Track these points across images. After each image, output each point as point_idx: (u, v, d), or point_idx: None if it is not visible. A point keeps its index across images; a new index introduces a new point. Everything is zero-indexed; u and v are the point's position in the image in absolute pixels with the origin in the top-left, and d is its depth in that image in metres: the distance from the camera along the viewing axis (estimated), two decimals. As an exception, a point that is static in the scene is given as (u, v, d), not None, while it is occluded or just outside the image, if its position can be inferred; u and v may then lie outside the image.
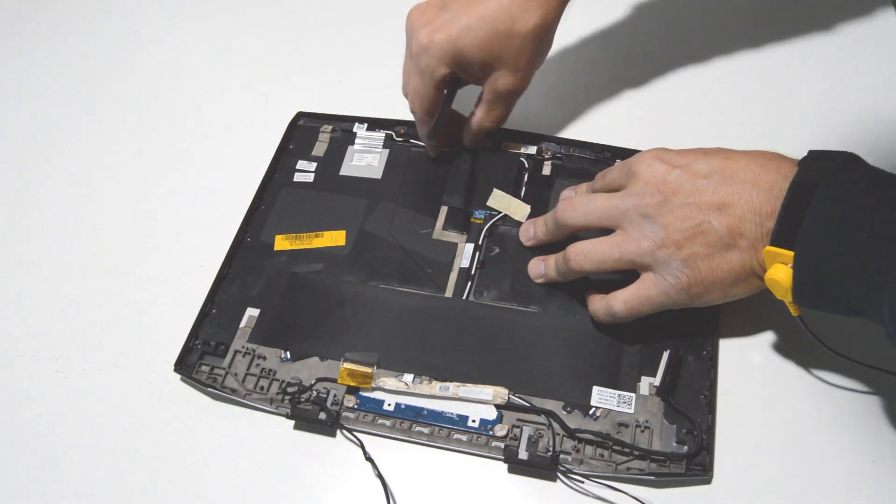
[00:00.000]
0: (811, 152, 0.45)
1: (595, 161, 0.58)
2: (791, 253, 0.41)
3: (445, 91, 0.55)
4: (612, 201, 0.48)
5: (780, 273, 0.42)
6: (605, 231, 0.48)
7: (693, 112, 0.63)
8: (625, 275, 0.48)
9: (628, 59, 0.66)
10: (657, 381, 0.48)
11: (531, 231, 0.54)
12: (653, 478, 0.44)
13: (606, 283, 0.49)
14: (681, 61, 0.66)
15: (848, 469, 0.45)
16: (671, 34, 0.68)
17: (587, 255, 0.48)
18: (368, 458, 0.46)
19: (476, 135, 0.58)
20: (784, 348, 0.49)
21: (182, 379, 0.51)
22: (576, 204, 0.50)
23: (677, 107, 0.63)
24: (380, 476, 0.46)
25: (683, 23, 0.69)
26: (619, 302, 0.48)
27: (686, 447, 0.45)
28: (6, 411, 0.50)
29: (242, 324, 0.52)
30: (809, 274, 0.41)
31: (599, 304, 0.49)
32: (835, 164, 0.42)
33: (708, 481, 0.45)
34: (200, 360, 0.51)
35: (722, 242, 0.44)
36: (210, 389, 0.50)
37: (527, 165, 0.59)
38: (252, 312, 0.53)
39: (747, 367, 0.49)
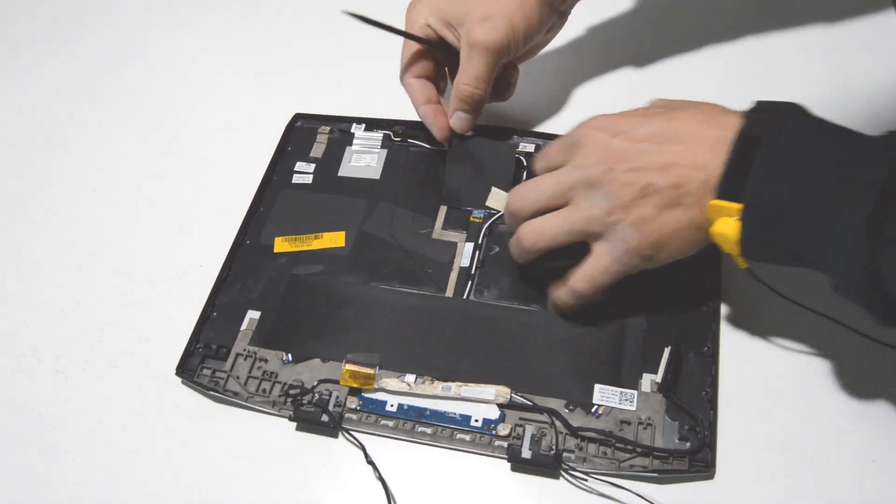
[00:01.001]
0: (757, 103, 0.44)
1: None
2: (738, 206, 0.41)
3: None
4: (558, 178, 0.47)
5: (726, 226, 0.42)
6: None
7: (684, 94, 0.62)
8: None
9: (626, 54, 0.66)
10: (659, 377, 0.48)
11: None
12: (656, 475, 0.44)
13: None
14: (679, 59, 0.66)
15: (848, 469, 0.45)
16: (671, 31, 0.68)
17: (538, 231, 0.48)
18: (370, 462, 0.46)
19: (456, 102, 0.55)
20: (785, 344, 0.49)
21: (183, 382, 0.51)
22: (523, 191, 0.49)
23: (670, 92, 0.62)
24: (381, 479, 0.46)
25: (683, 21, 0.68)
26: (579, 280, 0.48)
27: (688, 444, 0.45)
28: (6, 411, 0.50)
29: (243, 326, 0.52)
30: (758, 226, 0.41)
31: (561, 291, 0.49)
32: (780, 114, 0.42)
33: (711, 477, 0.45)
34: (202, 363, 0.51)
35: (668, 202, 0.44)
36: (212, 393, 0.50)
37: (525, 163, 0.58)
38: (253, 315, 0.53)
39: (748, 363, 0.49)
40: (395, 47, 0.57)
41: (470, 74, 0.54)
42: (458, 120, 0.56)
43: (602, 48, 0.67)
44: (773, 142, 0.41)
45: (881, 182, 0.37)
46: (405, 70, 0.57)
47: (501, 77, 0.58)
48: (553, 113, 0.63)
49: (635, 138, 0.46)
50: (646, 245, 0.45)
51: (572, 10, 0.58)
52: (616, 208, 0.45)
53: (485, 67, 0.53)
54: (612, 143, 0.46)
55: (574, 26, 0.64)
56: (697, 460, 0.45)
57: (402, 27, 0.57)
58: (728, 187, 0.42)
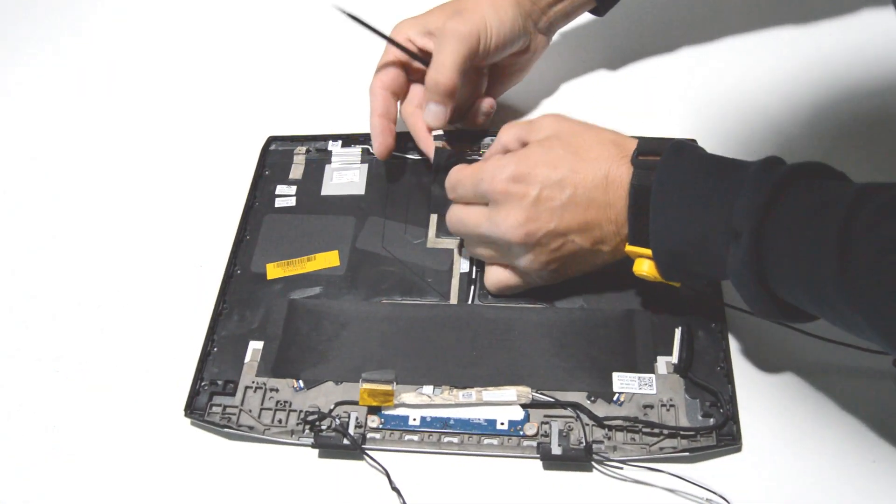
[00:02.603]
0: (640, 145, 0.47)
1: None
2: (647, 251, 0.45)
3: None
4: (481, 230, 0.49)
5: (644, 266, 0.46)
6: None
7: (683, 105, 0.63)
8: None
9: (612, 52, 0.66)
10: (674, 359, 0.48)
11: None
12: (687, 454, 0.45)
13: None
14: (674, 55, 0.66)
15: (848, 469, 0.45)
16: (663, 26, 0.68)
17: (461, 233, 0.51)
18: (394, 489, 0.45)
19: (426, 93, 0.54)
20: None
21: (193, 423, 0.49)
22: (453, 221, 0.51)
23: (669, 98, 0.63)
24: (399, 493, 0.45)
25: (676, 17, 0.69)
26: (490, 284, 0.52)
27: (713, 419, 0.46)
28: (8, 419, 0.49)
29: (247, 358, 0.51)
30: (668, 264, 0.45)
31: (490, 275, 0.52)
32: (661, 160, 0.45)
33: (739, 449, 0.46)
34: (210, 401, 0.49)
35: (587, 252, 0.49)
36: (226, 430, 0.48)
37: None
38: (255, 346, 0.51)
39: (755, 334, 0.50)
40: (364, 61, 0.57)
41: (438, 61, 0.53)
42: (429, 113, 0.55)
43: (596, 44, 0.67)
44: (658, 194, 0.44)
45: (759, 207, 0.40)
46: (376, 75, 0.57)
47: (475, 106, 0.59)
48: (542, 110, 0.63)
49: (550, 203, 0.47)
50: (561, 278, 0.51)
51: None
52: (536, 263, 0.49)
53: (453, 55, 0.53)
54: (530, 210, 0.47)
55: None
56: (724, 434, 0.46)
57: (363, 41, 0.56)
58: (636, 235, 0.46)
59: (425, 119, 0.55)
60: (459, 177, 0.50)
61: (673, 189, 0.44)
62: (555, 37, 0.61)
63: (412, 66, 0.57)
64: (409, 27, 0.56)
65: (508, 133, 0.51)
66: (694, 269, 0.45)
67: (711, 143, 0.57)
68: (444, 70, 0.53)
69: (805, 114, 0.62)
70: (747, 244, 0.40)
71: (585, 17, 0.61)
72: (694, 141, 0.58)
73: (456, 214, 0.51)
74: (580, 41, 0.67)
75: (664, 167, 0.44)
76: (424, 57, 0.56)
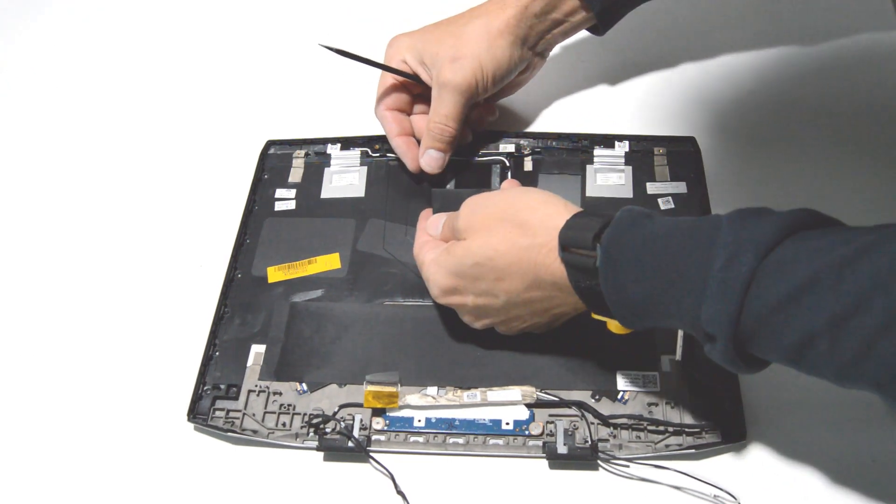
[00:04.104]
0: (561, 237, 0.42)
1: (573, 150, 0.59)
2: (613, 321, 0.42)
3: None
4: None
5: (616, 326, 0.42)
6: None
7: (673, 99, 0.63)
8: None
9: (611, 64, 0.66)
10: (678, 356, 0.48)
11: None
12: (692, 450, 0.45)
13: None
14: (662, 51, 0.67)
15: (848, 469, 0.45)
16: (663, 40, 0.68)
17: (430, 282, 0.49)
18: (399, 493, 0.45)
19: (427, 140, 0.56)
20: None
21: (196, 428, 0.49)
22: (426, 274, 0.49)
23: (668, 110, 0.63)
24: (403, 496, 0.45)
25: (675, 31, 0.69)
26: (433, 288, 0.48)
27: (717, 415, 0.46)
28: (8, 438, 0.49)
29: (250, 362, 0.51)
30: (640, 325, 0.41)
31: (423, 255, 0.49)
32: (601, 262, 0.40)
33: (743, 445, 0.46)
34: (213, 405, 0.49)
35: (551, 324, 0.48)
36: (230, 434, 0.48)
37: (508, 164, 0.59)
38: (258, 349, 0.51)
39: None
40: (360, 69, 0.57)
41: (440, 113, 0.55)
42: (429, 158, 0.56)
43: (595, 56, 0.67)
44: (613, 299, 0.40)
45: (730, 316, 0.36)
46: (380, 101, 0.58)
47: (479, 117, 0.59)
48: (532, 113, 0.63)
49: (489, 305, 0.47)
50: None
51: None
52: (510, 331, 0.49)
53: (454, 106, 0.54)
54: (475, 312, 0.48)
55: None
56: (728, 430, 0.46)
57: (361, 42, 0.57)
58: (598, 310, 0.42)
59: (422, 163, 0.57)
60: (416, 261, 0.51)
61: (627, 297, 0.39)
62: (555, 49, 0.61)
63: (411, 86, 0.58)
64: (404, 48, 0.56)
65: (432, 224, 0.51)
66: (663, 325, 0.41)
67: (709, 146, 0.58)
68: (446, 120, 0.55)
69: (801, 113, 0.62)
70: (724, 348, 0.37)
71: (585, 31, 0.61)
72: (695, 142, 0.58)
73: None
74: (580, 53, 0.67)
75: (609, 273, 0.39)
76: (418, 78, 0.57)
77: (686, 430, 0.46)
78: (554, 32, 0.57)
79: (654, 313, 0.39)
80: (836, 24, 0.67)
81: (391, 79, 0.57)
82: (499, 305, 0.46)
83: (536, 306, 0.46)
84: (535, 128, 0.61)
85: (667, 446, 0.46)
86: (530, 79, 0.60)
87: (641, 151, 0.58)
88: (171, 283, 0.56)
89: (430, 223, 0.51)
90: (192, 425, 0.49)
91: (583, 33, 0.60)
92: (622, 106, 0.63)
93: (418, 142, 0.58)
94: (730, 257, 0.36)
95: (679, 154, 0.58)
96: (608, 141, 0.59)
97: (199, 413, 0.49)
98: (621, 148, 0.59)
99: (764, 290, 0.35)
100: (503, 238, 0.44)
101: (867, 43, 0.66)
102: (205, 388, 0.50)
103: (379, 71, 0.58)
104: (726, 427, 0.46)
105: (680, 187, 0.56)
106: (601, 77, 0.66)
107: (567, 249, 0.41)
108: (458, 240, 0.47)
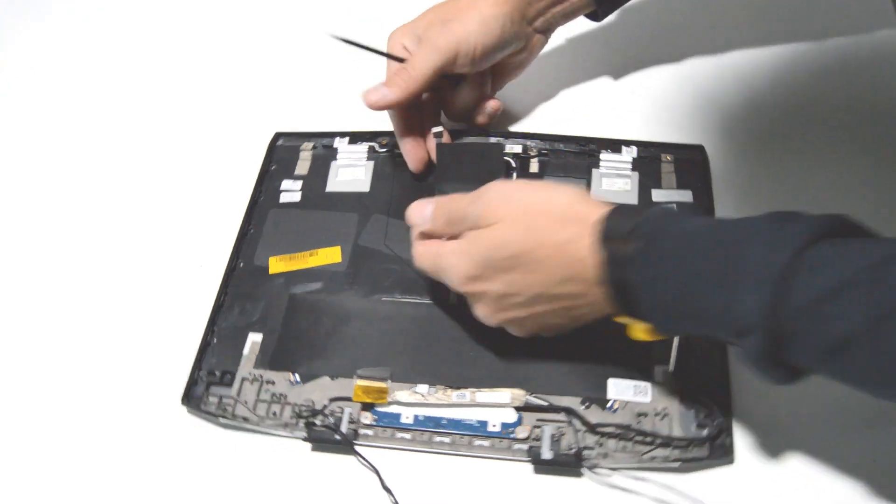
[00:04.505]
0: (605, 229, 0.41)
1: (580, 154, 0.59)
2: (641, 322, 0.42)
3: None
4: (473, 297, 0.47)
5: (639, 331, 0.42)
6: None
7: (676, 97, 0.63)
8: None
9: (615, 58, 0.66)
10: (670, 367, 0.48)
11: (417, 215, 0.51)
12: (677, 464, 0.45)
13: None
14: (663, 47, 0.66)
15: (848, 469, 0.45)
16: (668, 34, 0.68)
17: (451, 270, 0.47)
18: (386, 489, 0.45)
19: (387, 79, 0.55)
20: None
21: (190, 411, 0.50)
22: (425, 263, 0.48)
23: (667, 98, 0.63)
24: (390, 491, 0.45)
25: (681, 25, 0.69)
26: (455, 276, 0.46)
27: (706, 430, 0.46)
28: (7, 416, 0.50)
29: (246, 350, 0.51)
30: (670, 331, 0.42)
31: (428, 258, 0.48)
32: (640, 253, 0.40)
33: (731, 462, 0.45)
34: (207, 391, 0.50)
35: (566, 324, 0.46)
36: (221, 420, 0.49)
37: (514, 165, 0.59)
38: (255, 338, 0.52)
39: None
40: (370, 60, 0.57)
41: (411, 63, 0.54)
42: (375, 93, 0.55)
43: (600, 50, 0.67)
44: (647, 296, 0.40)
45: (769, 306, 0.36)
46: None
47: (480, 107, 0.59)
48: (541, 114, 0.63)
49: (514, 297, 0.45)
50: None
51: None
52: (522, 332, 0.47)
53: (426, 62, 0.54)
54: (495, 304, 0.46)
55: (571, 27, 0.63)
56: (716, 446, 0.45)
57: (372, 36, 0.57)
58: (626, 311, 0.42)
59: (366, 95, 0.55)
60: (422, 261, 0.49)
61: (661, 292, 0.39)
62: (561, 42, 0.61)
63: None
64: (402, 35, 0.56)
65: (451, 210, 0.48)
66: (692, 333, 0.42)
67: (717, 152, 0.58)
68: (410, 68, 0.54)
69: (800, 113, 0.61)
70: (758, 343, 0.36)
71: (588, 24, 0.61)
72: (702, 148, 0.58)
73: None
74: (584, 46, 0.67)
75: (645, 265, 0.39)
76: None
77: (673, 443, 0.45)
78: (553, 11, 0.57)
79: (685, 311, 0.39)
80: (844, 24, 0.67)
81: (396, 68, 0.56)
82: (524, 300, 0.45)
83: (562, 304, 0.44)
84: (541, 129, 0.61)
85: (652, 458, 0.45)
86: (532, 59, 0.60)
87: (649, 157, 0.58)
88: (175, 271, 0.57)
89: (414, 211, 0.49)
90: (185, 409, 0.50)
91: (590, 30, 0.59)
92: (631, 109, 0.62)
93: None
94: (767, 253, 0.36)
95: (687, 162, 0.57)
96: (615, 146, 0.58)
97: (192, 397, 0.50)
98: (628, 153, 0.58)
99: (801, 284, 0.35)
100: (543, 230, 0.43)
101: (873, 43, 0.65)
102: (200, 373, 0.51)
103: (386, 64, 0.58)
104: (714, 443, 0.45)
105: (686, 196, 0.56)
106: (610, 79, 0.65)
107: (608, 240, 0.41)
108: (476, 227, 0.45)
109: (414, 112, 0.58)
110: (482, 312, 0.47)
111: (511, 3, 0.55)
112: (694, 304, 0.38)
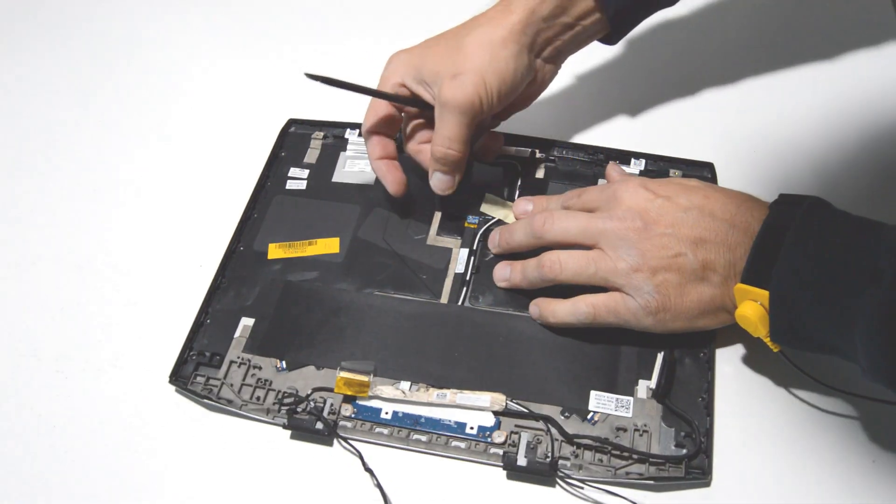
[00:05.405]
0: (781, 196, 0.46)
1: (588, 163, 0.58)
2: (762, 291, 0.43)
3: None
4: (593, 221, 0.48)
5: (749, 310, 0.43)
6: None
7: (686, 114, 0.63)
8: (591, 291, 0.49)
9: (623, 62, 0.66)
10: (653, 383, 0.47)
11: (497, 239, 0.54)
12: (652, 482, 0.44)
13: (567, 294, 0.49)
14: (675, 62, 0.66)
15: (848, 469, 0.45)
16: (664, 36, 0.68)
17: (563, 265, 0.49)
18: (367, 469, 0.46)
19: (432, 163, 0.53)
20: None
21: (177, 390, 0.50)
22: (555, 219, 0.50)
23: (673, 109, 0.63)
24: (379, 486, 0.45)
25: (677, 24, 0.68)
26: (588, 304, 0.48)
27: (685, 450, 0.45)
28: (6, 412, 0.50)
29: (237, 334, 0.52)
30: (783, 314, 0.43)
31: (561, 306, 0.49)
32: (803, 208, 0.43)
33: (707, 484, 0.45)
34: (196, 371, 0.51)
35: (695, 275, 0.46)
36: (206, 401, 0.49)
37: (520, 169, 0.58)
38: (247, 322, 0.52)
39: (744, 367, 0.49)
40: (385, 52, 0.57)
41: (443, 135, 0.51)
42: (437, 181, 0.53)
43: (600, 56, 0.66)
44: (797, 233, 0.42)
45: (893, 268, 0.38)
46: (364, 124, 0.55)
47: (485, 147, 0.58)
48: (551, 120, 0.63)
49: (675, 205, 0.47)
50: (664, 309, 0.47)
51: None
52: (643, 267, 0.46)
53: (457, 127, 0.51)
54: (651, 205, 0.47)
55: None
56: (694, 467, 0.45)
57: (387, 31, 0.56)
58: (754, 273, 0.44)
59: (432, 185, 0.54)
60: (586, 190, 0.51)
61: (809, 235, 0.42)
62: (579, 65, 0.59)
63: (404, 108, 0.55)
64: (403, 70, 0.53)
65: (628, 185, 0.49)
66: (808, 329, 0.42)
67: (731, 176, 0.57)
68: (449, 143, 0.51)
69: (800, 114, 0.61)
70: (891, 283, 0.37)
71: (601, 48, 0.59)
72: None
73: (554, 256, 0.49)
74: (597, 71, 0.66)
75: (805, 214, 0.43)
76: (419, 101, 0.54)
77: (650, 459, 0.45)
78: (563, 39, 0.53)
79: (817, 278, 0.41)
80: (852, 38, 0.66)
81: (380, 101, 0.55)
82: (680, 211, 0.47)
83: (708, 234, 0.46)
84: (549, 136, 0.60)
85: (627, 473, 0.45)
86: (542, 90, 0.57)
87: (657, 171, 0.57)
88: (178, 257, 0.57)
89: (521, 204, 0.54)
90: (173, 388, 0.51)
91: (602, 51, 0.57)
92: (641, 122, 0.62)
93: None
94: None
95: (695, 178, 0.56)
96: (624, 157, 0.58)
97: (180, 376, 0.50)
98: (637, 166, 0.58)
99: None
100: (726, 199, 0.47)
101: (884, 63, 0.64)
102: (190, 353, 0.51)
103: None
104: (692, 463, 0.45)
105: (691, 212, 0.55)
106: (622, 92, 0.64)
107: (778, 204, 0.45)
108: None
109: (387, 136, 0.56)
110: (633, 202, 0.48)
111: (520, 37, 0.51)
112: (833, 252, 0.41)
